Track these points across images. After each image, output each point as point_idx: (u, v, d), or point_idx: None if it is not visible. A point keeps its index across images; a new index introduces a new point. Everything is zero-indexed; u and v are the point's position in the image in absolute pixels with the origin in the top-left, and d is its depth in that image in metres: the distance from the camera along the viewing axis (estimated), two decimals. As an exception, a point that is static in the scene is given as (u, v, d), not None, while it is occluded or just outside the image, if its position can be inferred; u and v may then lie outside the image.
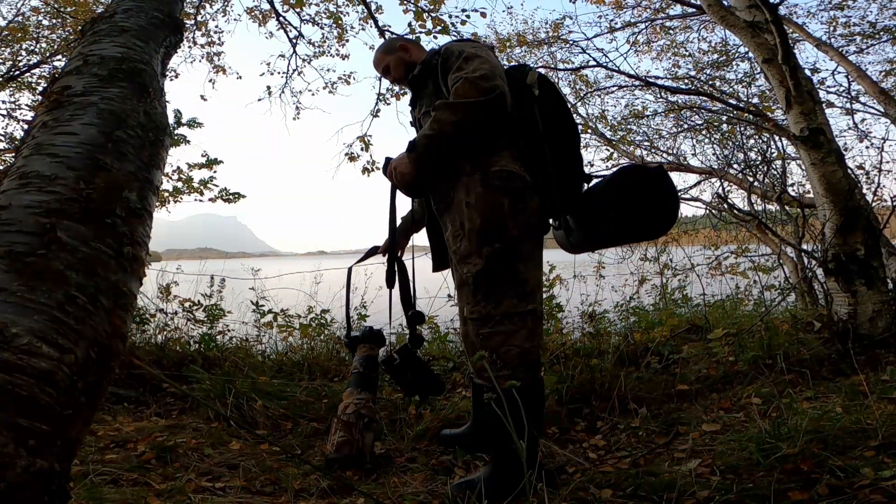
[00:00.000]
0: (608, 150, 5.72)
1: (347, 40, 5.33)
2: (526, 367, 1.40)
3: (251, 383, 2.27)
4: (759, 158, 4.64)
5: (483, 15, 4.79)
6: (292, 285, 3.70)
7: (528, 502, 1.12)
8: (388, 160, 1.52)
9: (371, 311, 3.41)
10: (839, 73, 5.03)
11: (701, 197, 5.50)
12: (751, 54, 3.87)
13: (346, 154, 5.32)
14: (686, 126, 5.33)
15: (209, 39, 5.58)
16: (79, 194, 0.76)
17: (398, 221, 1.81)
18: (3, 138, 5.07)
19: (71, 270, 0.69)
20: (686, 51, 5.99)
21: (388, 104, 5.23)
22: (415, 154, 1.42)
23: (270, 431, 2.06)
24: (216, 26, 5.74)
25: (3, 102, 5.42)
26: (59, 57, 5.10)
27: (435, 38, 4.32)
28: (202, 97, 6.06)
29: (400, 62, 1.74)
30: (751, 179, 4.51)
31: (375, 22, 4.57)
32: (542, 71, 1.74)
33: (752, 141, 4.82)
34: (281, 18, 4.95)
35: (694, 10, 4.91)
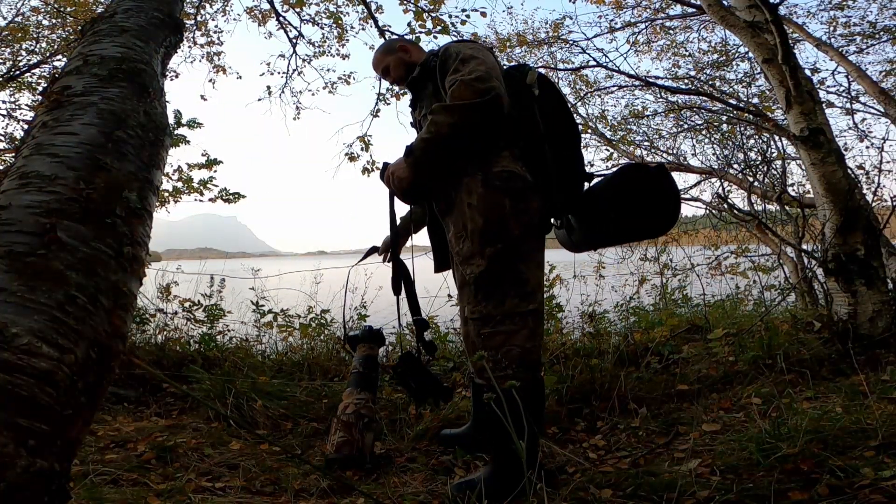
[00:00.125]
0: (608, 150, 5.73)
1: (347, 40, 5.34)
2: (527, 366, 1.40)
3: (251, 383, 2.27)
4: (759, 158, 4.64)
5: (483, 15, 4.80)
6: (292, 285, 3.70)
7: (528, 502, 1.12)
8: (385, 165, 1.52)
9: (371, 311, 3.41)
10: (839, 73, 5.03)
11: (701, 197, 5.51)
12: (751, 54, 3.87)
13: (346, 154, 5.32)
14: (686, 126, 5.33)
15: (209, 39, 5.59)
16: (79, 194, 0.76)
17: (398, 223, 1.80)
18: (3, 138, 5.07)
19: (71, 270, 0.69)
20: (686, 51, 5.99)
21: (388, 104, 5.24)
22: (412, 158, 1.42)
23: (270, 431, 2.06)
24: (216, 26, 5.75)
25: (3, 102, 5.42)
26: (59, 57, 5.10)
27: (435, 38, 4.32)
28: (202, 97, 6.06)
29: (400, 63, 1.74)
30: (751, 179, 4.51)
31: (375, 22, 4.57)
32: (542, 71, 1.74)
33: (752, 141, 4.82)
34: (281, 18, 4.95)
35: (694, 10, 4.91)
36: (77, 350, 0.65)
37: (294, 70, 5.45)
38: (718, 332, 2.51)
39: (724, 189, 4.90)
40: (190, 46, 5.49)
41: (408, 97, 1.81)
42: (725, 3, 3.05)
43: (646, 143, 5.76)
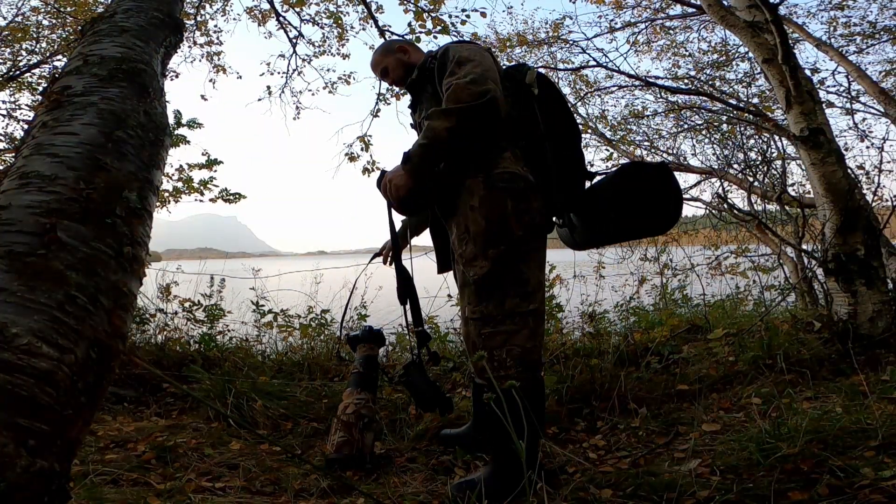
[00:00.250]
0: (608, 150, 5.73)
1: (347, 40, 5.34)
2: (527, 366, 1.40)
3: (251, 383, 2.27)
4: (759, 158, 4.64)
5: (483, 15, 4.79)
6: (292, 285, 3.70)
7: (528, 502, 1.12)
8: (383, 173, 1.50)
9: (371, 311, 3.41)
10: (839, 73, 5.03)
11: (701, 197, 5.51)
12: (751, 54, 3.87)
13: (347, 154, 5.32)
14: (686, 126, 5.33)
15: (209, 39, 5.59)
16: (79, 194, 0.76)
17: (397, 230, 1.80)
18: (3, 138, 5.08)
19: (71, 270, 0.69)
20: (686, 51, 6.00)
21: (389, 104, 5.24)
22: (410, 165, 1.41)
23: (270, 431, 2.06)
24: (216, 26, 5.74)
25: (3, 102, 5.42)
26: (59, 57, 5.10)
27: (435, 38, 4.32)
28: (202, 97, 6.06)
29: (399, 64, 1.74)
30: (751, 179, 4.51)
31: (375, 22, 4.57)
32: (542, 71, 1.73)
33: (752, 141, 4.83)
34: (281, 18, 4.95)
35: (694, 10, 4.91)
36: (77, 350, 0.65)
37: (294, 70, 5.46)
38: (718, 332, 2.51)
39: (724, 189, 4.91)
40: (190, 46, 5.50)
41: (408, 97, 1.81)
42: (725, 3, 3.05)
43: (646, 143, 5.77)
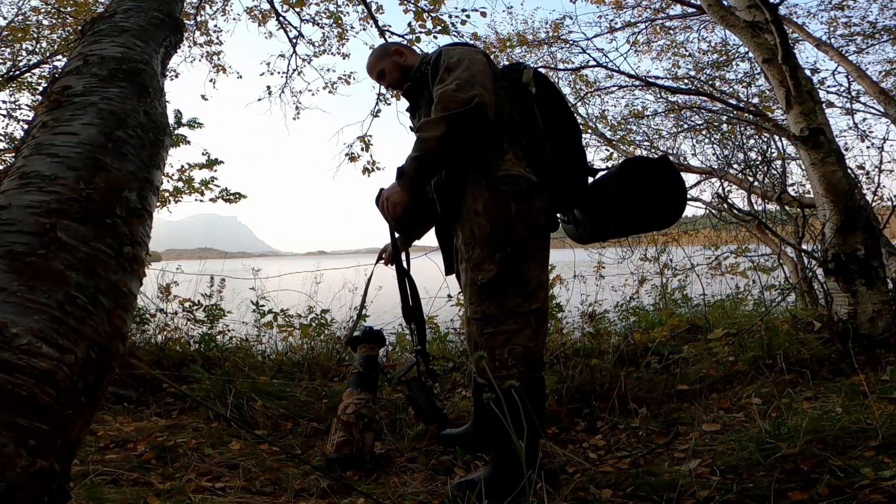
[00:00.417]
0: (608, 150, 5.73)
1: (347, 40, 5.33)
2: (529, 365, 1.40)
3: (251, 383, 2.27)
4: (759, 158, 4.64)
5: (483, 15, 4.79)
6: (292, 285, 3.70)
7: (528, 502, 1.12)
8: (381, 191, 1.52)
9: (371, 311, 3.41)
10: (839, 73, 5.02)
11: (701, 197, 5.50)
12: (751, 54, 3.87)
13: (347, 154, 5.32)
14: (686, 126, 5.33)
15: (209, 39, 5.59)
16: (79, 194, 0.76)
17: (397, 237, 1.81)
18: (3, 138, 5.07)
19: (71, 270, 0.69)
20: (686, 51, 5.99)
21: (389, 104, 5.23)
22: (405, 180, 1.42)
23: (270, 431, 2.06)
24: (216, 26, 5.74)
25: (3, 102, 5.42)
26: (59, 57, 5.10)
27: (435, 38, 4.32)
28: (202, 97, 6.06)
29: (395, 67, 1.73)
30: (751, 179, 4.51)
31: (375, 22, 4.57)
32: (542, 71, 1.73)
33: (752, 141, 4.83)
34: (281, 18, 4.95)
35: (694, 10, 4.91)
36: (77, 350, 0.65)
37: (294, 70, 5.45)
38: (718, 332, 2.51)
39: (724, 189, 4.90)
40: (190, 46, 5.49)
41: (408, 97, 1.81)
42: (725, 3, 3.05)
43: (646, 143, 5.76)
